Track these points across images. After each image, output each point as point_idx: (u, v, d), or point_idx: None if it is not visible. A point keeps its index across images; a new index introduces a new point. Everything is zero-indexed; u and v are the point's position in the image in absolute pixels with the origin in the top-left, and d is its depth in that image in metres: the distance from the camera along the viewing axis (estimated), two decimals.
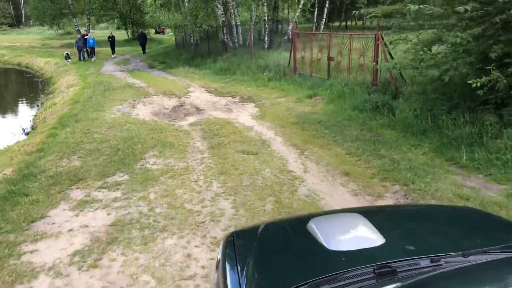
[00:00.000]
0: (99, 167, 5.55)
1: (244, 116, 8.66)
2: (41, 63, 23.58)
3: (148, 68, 18.63)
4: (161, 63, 19.67)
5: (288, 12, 19.55)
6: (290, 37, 20.30)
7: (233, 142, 6.58)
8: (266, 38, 19.01)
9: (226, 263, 1.97)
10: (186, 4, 16.58)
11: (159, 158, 5.93)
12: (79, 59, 21.17)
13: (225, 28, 17.50)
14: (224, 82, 13.19)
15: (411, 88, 7.58)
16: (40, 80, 20.17)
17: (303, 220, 2.10)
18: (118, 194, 4.72)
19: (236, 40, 18.49)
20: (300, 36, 12.18)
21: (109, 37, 24.31)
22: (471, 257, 1.58)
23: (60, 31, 44.02)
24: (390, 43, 7.15)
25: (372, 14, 7.36)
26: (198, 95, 11.28)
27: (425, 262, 1.61)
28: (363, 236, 1.89)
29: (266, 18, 17.91)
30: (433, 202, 4.28)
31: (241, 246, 2.06)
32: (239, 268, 1.85)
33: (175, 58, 20.47)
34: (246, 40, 21.66)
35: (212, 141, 6.67)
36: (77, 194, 4.77)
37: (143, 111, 9.38)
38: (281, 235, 2.21)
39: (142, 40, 28.10)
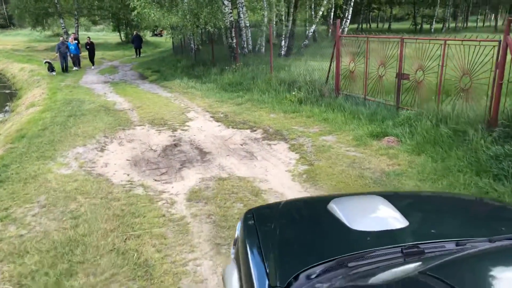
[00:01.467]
0: None
1: (279, 173, 5.20)
2: (16, 70, 20.06)
3: (138, 79, 15.15)
4: (154, 72, 16.19)
5: (313, 10, 16.08)
6: (307, 42, 16.99)
7: None
8: (283, 43, 15.59)
9: (246, 240, 1.90)
10: (185, 0, 13.14)
11: None
12: (62, 69, 16.90)
13: (233, 30, 14.09)
14: (236, 103, 9.71)
15: None
16: (8, 91, 16.65)
17: (324, 200, 2.08)
18: None
19: (245, 45, 15.04)
20: (345, 41, 8.70)
21: (86, 43, 19.06)
22: (497, 243, 1.55)
23: (47, 33, 40.73)
24: None
25: None
26: (202, 125, 7.81)
27: (451, 245, 1.59)
28: (386, 217, 1.85)
29: (284, 18, 14.46)
30: None
31: (262, 224, 1.99)
32: (261, 245, 1.80)
33: (172, 66, 17.01)
34: (256, 46, 18.31)
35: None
36: None
37: (115, 159, 5.91)
38: (302, 214, 2.18)
39: (137, 42, 24.86)
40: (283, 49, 15.60)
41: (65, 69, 16.97)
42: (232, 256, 2.11)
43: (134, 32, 26.86)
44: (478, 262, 1.28)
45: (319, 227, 1.95)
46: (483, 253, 1.38)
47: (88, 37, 19.40)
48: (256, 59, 13.91)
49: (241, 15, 14.74)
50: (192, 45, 17.71)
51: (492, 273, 1.20)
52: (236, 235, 2.13)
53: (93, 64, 18.89)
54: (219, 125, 7.79)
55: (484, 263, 1.28)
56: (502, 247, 1.49)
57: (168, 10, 12.91)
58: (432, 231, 1.82)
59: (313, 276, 1.50)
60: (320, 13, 15.84)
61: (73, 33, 20.84)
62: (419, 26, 30.86)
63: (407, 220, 1.82)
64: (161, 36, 42.41)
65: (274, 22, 13.80)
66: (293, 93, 9.11)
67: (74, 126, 7.73)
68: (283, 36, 14.58)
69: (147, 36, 32.58)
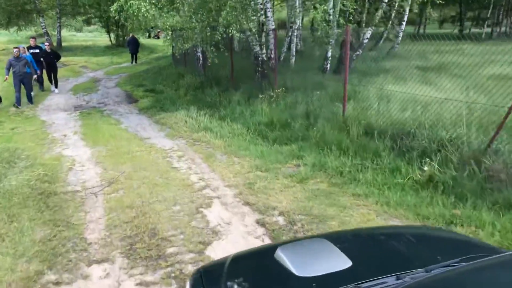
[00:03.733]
0: None
1: None
2: None
3: (122, 104, 10.51)
4: (147, 93, 11.56)
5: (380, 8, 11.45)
6: (360, 52, 12.41)
7: None
8: (328, 54, 11.05)
9: None
10: None
11: None
12: (17, 102, 10.04)
13: (263, 36, 9.57)
14: (296, 178, 5.06)
15: None
16: None
17: (271, 249, 2.11)
18: None
19: (272, 55, 10.44)
20: None
21: (42, 53, 11.83)
22: (433, 272, 1.65)
23: (29, 33, 35.95)
24: None
25: None
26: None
27: (391, 280, 1.64)
28: (330, 260, 1.92)
29: (335, 16, 9.83)
30: None
31: (209, 282, 2.00)
32: None
33: (172, 83, 12.40)
34: (282, 55, 13.80)
35: None
36: None
37: None
38: (250, 266, 2.18)
39: (133, 46, 20.51)
40: (328, 63, 11.08)
41: (29, 99, 10.53)
42: None
43: (130, 35, 22.31)
44: None
45: (267, 278, 1.99)
46: (417, 284, 1.41)
47: (46, 42, 12.10)
48: (297, 78, 9.40)
49: (268, 14, 10.20)
50: (199, 54, 13.11)
51: None
52: None
53: (55, 86, 12.17)
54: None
55: None
56: (434, 275, 1.56)
57: (166, 5, 8.33)
58: (374, 267, 1.89)
59: None
60: (380, 12, 11.32)
61: (47, 42, 12.96)
62: (464, 30, 26.54)
63: (351, 260, 1.88)
64: (158, 38, 37.82)
65: (324, 24, 9.23)
66: (426, 166, 4.53)
67: None
68: (329, 43, 10.02)
69: (141, 38, 27.93)
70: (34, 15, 26.08)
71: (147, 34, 32.33)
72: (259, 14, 8.72)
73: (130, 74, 15.78)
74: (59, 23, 26.26)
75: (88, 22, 33.71)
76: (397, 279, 1.62)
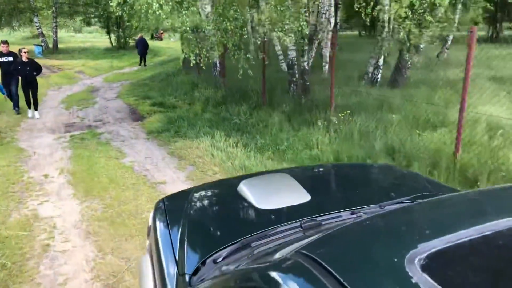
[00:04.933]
0: None
1: None
2: None
3: (125, 123, 8.34)
4: (155, 107, 9.41)
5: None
6: (418, 59, 10.20)
7: None
8: (380, 61, 8.93)
9: (157, 228, 1.91)
10: None
11: None
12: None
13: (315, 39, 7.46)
14: None
15: None
16: None
17: (234, 182, 2.10)
18: None
19: (306, 65, 8.24)
20: None
21: (17, 63, 8.54)
22: (386, 208, 1.69)
23: (24, 34, 33.86)
24: None
25: None
26: None
27: (346, 215, 1.68)
28: (290, 194, 1.94)
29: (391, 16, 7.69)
30: None
31: (172, 211, 2.00)
32: (171, 232, 1.81)
33: (184, 94, 10.26)
34: (309, 61, 11.71)
35: None
36: None
37: None
38: (212, 197, 2.22)
39: (141, 48, 18.57)
40: (378, 71, 8.96)
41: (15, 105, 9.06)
42: (147, 247, 2.06)
43: (139, 35, 20.28)
44: (345, 236, 1.25)
45: (228, 210, 2.01)
46: (370, 218, 1.39)
47: (24, 49, 8.63)
48: (343, 91, 7.29)
49: (324, 11, 8.07)
50: (216, 60, 10.97)
51: (358, 245, 1.15)
52: (149, 226, 2.08)
53: (35, 109, 8.91)
54: None
55: (350, 236, 1.25)
56: (386, 211, 1.57)
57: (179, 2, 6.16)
58: (331, 202, 1.95)
59: (219, 260, 1.52)
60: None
61: (4, 44, 8.87)
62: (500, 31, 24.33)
63: (310, 195, 1.91)
64: (161, 39, 35.65)
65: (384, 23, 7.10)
66: None
67: None
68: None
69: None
70: (28, 14, 23.98)
71: (151, 35, 30.26)
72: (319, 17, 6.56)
73: (133, 81, 13.63)
74: (56, 23, 24.15)
75: (87, 23, 31.56)
76: (352, 214, 1.68)
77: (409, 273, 0.88)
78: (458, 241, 0.98)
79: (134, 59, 20.20)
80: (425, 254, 0.94)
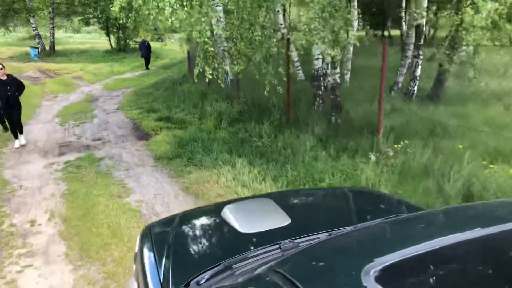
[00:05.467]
0: None
1: None
2: None
3: (127, 143, 7.21)
4: (162, 123, 8.29)
5: None
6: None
7: None
8: (417, 72, 7.85)
9: (143, 253, 1.96)
10: None
11: None
12: None
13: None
14: None
15: None
16: None
17: (218, 208, 2.19)
18: None
19: (338, 77, 7.12)
20: None
21: None
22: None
23: (20, 35, 32.70)
24: None
25: None
26: None
27: (323, 236, 1.77)
28: (272, 218, 2.03)
29: None
30: None
31: (158, 237, 2.05)
32: (157, 257, 1.86)
33: (193, 107, 9.18)
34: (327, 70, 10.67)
35: None
36: None
37: None
38: (197, 222, 2.28)
39: (144, 51, 17.95)
40: (415, 82, 7.86)
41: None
42: (133, 272, 2.10)
43: (141, 39, 19.28)
44: (311, 253, 1.33)
45: (212, 234, 2.11)
46: (339, 236, 1.50)
47: None
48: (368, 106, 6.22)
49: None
50: (227, 67, 9.88)
51: (322, 260, 1.24)
52: (135, 251, 2.12)
53: (20, 133, 7.24)
54: None
55: (316, 253, 1.33)
56: (355, 230, 1.63)
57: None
58: (310, 225, 2.02)
59: (202, 282, 1.58)
60: None
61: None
62: None
63: (290, 218, 2.01)
64: (162, 40, 34.51)
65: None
66: None
67: None
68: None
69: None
70: (24, 14, 22.86)
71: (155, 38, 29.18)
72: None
73: (135, 89, 12.55)
74: (52, 24, 23.04)
75: (86, 23, 30.33)
76: (329, 235, 1.76)
77: (364, 284, 1.00)
78: (410, 255, 1.10)
79: (135, 63, 19.13)
80: (380, 267, 1.05)
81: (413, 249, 1.10)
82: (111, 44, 23.63)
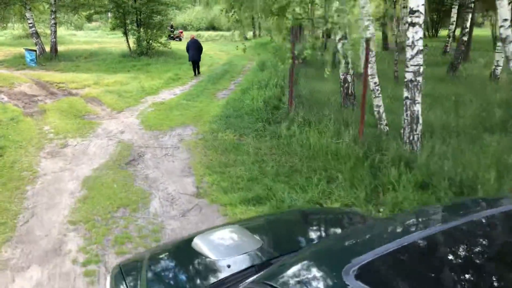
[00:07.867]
0: None
1: None
2: None
3: None
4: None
5: None
6: None
7: None
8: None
9: None
10: None
11: None
12: None
13: None
14: None
15: None
16: None
17: (188, 240, 2.20)
18: None
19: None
20: None
21: None
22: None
23: (15, 32, 27.37)
24: None
25: None
26: None
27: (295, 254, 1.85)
28: (243, 243, 2.09)
29: None
30: None
31: (129, 275, 2.02)
32: None
33: (350, 183, 4.11)
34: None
35: None
36: None
37: None
38: (168, 256, 2.28)
39: (194, 52, 13.39)
40: None
41: None
42: None
43: (191, 37, 14.64)
44: (296, 262, 1.43)
45: (185, 266, 2.09)
46: (302, 253, 1.57)
47: None
48: None
49: None
50: (376, 79, 4.72)
51: (309, 268, 1.37)
52: None
53: None
54: None
55: (302, 261, 1.44)
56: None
57: None
58: (282, 246, 2.13)
59: None
60: None
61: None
62: None
63: (262, 241, 2.10)
64: (180, 40, 29.16)
65: None
66: None
67: None
68: None
69: (163, 38, 19.41)
70: (18, 6, 17.63)
71: (168, 35, 23.94)
72: None
73: (200, 130, 7.33)
74: (54, 20, 17.78)
75: (88, 18, 24.86)
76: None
77: (346, 282, 1.13)
78: (383, 253, 1.25)
79: (167, 73, 13.91)
80: (357, 266, 1.20)
81: (385, 247, 1.28)
82: (129, 46, 18.34)
